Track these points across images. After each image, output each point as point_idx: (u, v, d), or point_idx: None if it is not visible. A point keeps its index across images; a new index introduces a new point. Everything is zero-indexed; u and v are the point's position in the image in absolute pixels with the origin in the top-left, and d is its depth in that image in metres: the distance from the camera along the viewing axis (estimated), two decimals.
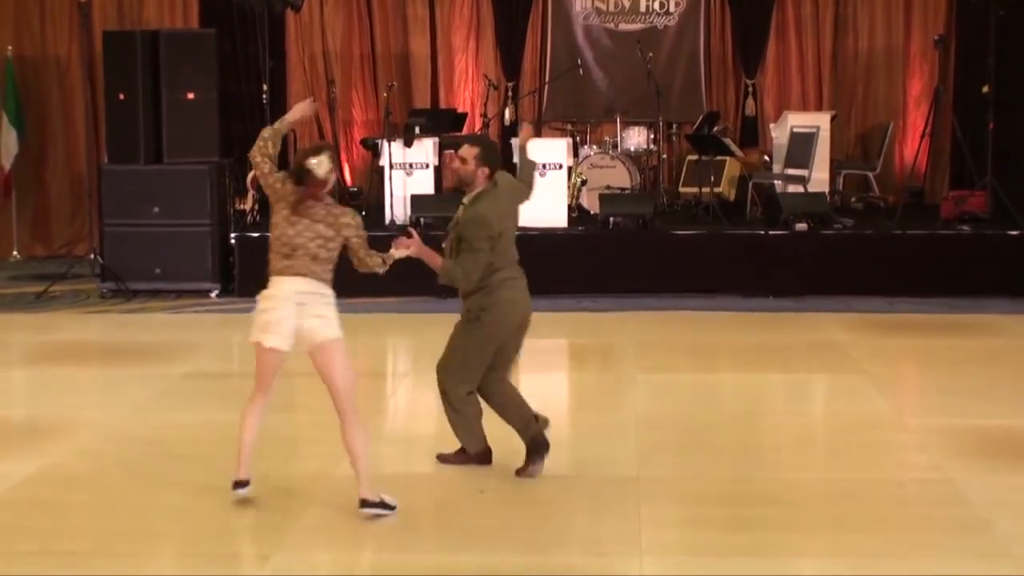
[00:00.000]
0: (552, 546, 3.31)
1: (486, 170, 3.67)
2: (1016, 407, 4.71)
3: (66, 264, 7.84)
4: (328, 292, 3.47)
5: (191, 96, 7.33)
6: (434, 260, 3.64)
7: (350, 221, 3.48)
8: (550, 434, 3.83)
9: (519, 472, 3.73)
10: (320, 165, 3.40)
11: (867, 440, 4.30)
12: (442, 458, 3.89)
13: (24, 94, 8.77)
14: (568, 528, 3.44)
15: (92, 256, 7.68)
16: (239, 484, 3.54)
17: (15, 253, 8.83)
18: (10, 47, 8.71)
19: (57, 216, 9.04)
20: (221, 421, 4.63)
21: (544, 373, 5.77)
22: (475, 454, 3.82)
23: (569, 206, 7.56)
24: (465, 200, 3.72)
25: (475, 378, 3.72)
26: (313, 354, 3.47)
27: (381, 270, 3.53)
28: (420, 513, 3.53)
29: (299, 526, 3.45)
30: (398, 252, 3.53)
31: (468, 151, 3.68)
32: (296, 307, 3.41)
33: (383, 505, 3.46)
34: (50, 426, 4.52)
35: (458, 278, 3.62)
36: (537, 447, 3.74)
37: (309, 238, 3.43)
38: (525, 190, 3.91)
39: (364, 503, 3.45)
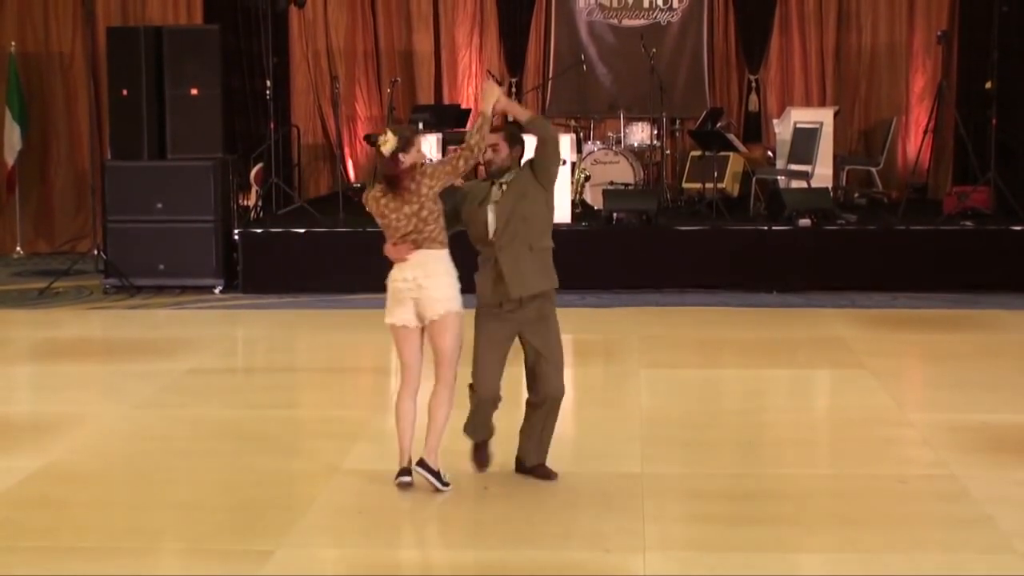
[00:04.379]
0: (556, 542, 3.31)
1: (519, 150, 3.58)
2: (1020, 402, 4.70)
3: (69, 260, 7.84)
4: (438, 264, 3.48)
5: (195, 92, 7.33)
6: (515, 109, 3.70)
7: (423, 178, 3.44)
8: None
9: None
10: (384, 143, 3.45)
11: (870, 435, 4.30)
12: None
13: (27, 90, 8.77)
14: (572, 524, 3.43)
15: (95, 252, 7.68)
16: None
17: (19, 249, 8.83)
18: (13, 43, 8.71)
19: (61, 212, 9.05)
20: (225, 417, 4.63)
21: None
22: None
23: (572, 202, 7.55)
24: (505, 180, 3.56)
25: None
26: (429, 326, 3.53)
27: (483, 135, 3.45)
28: (425, 509, 3.52)
29: (303, 522, 3.44)
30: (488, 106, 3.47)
31: (496, 137, 3.57)
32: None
33: (438, 476, 3.53)
34: (54, 422, 4.51)
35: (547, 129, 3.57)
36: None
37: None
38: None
39: (422, 463, 3.51)
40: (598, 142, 8.54)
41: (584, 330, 6.33)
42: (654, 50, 8.54)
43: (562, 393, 3.63)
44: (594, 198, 7.87)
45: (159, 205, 7.23)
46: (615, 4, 9.25)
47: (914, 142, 8.87)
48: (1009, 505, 3.54)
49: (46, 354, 5.88)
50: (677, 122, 8.96)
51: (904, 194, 8.07)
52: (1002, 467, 3.90)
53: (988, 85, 7.55)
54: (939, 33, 8.29)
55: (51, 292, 7.27)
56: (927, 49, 9.00)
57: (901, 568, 3.13)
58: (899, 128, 8.89)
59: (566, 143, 7.56)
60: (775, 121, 8.66)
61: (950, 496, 3.63)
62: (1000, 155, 7.55)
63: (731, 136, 8.19)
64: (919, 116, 8.93)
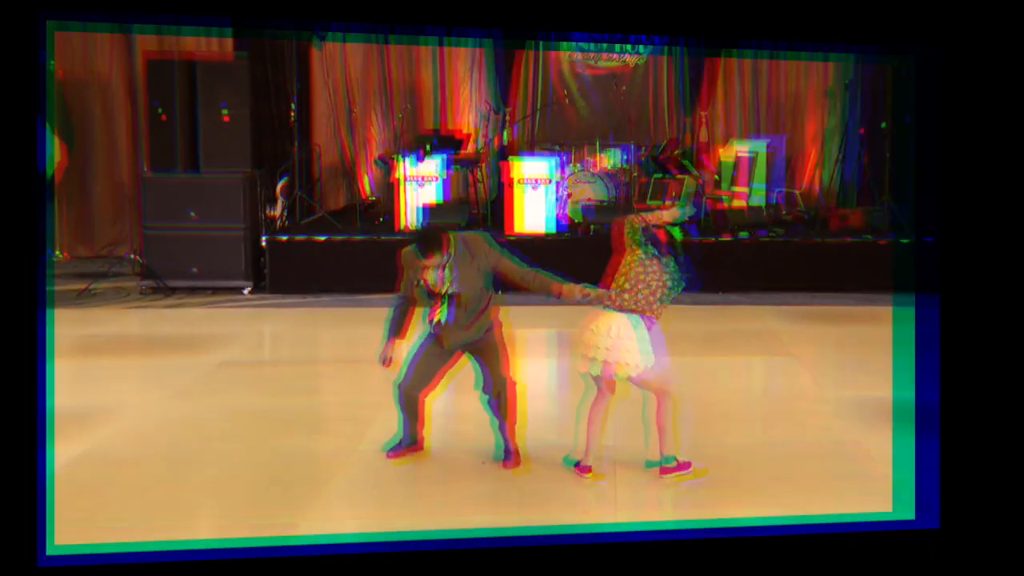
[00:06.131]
0: (542, 506, 3.34)
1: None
2: (909, 381, 4.81)
3: (108, 264, 7.70)
4: None
5: (226, 116, 7.26)
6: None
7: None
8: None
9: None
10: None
11: (795, 410, 4.43)
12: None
13: (70, 112, 8.59)
14: (555, 490, 3.48)
15: (132, 256, 7.55)
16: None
17: (59, 253, 8.63)
18: (58, 69, 8.52)
19: (100, 222, 8.89)
20: (253, 404, 4.59)
21: (527, 359, 5.77)
22: None
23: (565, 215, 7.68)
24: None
25: None
26: None
27: None
28: (430, 484, 3.53)
29: (325, 496, 3.44)
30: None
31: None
32: None
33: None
34: (95, 412, 4.40)
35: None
36: None
37: None
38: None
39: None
40: (578, 165, 8.70)
41: (570, 325, 6.35)
42: (624, 87, 8.67)
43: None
44: (573, 213, 8.05)
45: (193, 215, 7.14)
46: (591, 51, 9.48)
47: (830, 170, 9.17)
48: (899, 462, 3.65)
49: (87, 349, 5.71)
50: (643, 148, 9.14)
51: (821, 213, 8.33)
52: (896, 433, 4.00)
53: (884, 125, 7.87)
54: (846, 82, 8.57)
55: (91, 293, 7.13)
56: (840, 94, 9.32)
57: (817, 511, 3.23)
58: (817, 158, 9.17)
59: (550, 165, 7.73)
60: (721, 150, 8.85)
61: (856, 457, 3.77)
62: (893, 182, 7.79)
63: (686, 162, 8.37)
64: (831, 150, 9.26)
